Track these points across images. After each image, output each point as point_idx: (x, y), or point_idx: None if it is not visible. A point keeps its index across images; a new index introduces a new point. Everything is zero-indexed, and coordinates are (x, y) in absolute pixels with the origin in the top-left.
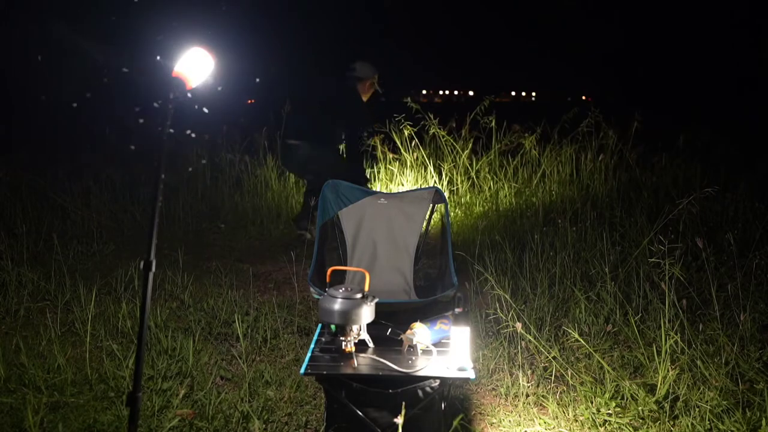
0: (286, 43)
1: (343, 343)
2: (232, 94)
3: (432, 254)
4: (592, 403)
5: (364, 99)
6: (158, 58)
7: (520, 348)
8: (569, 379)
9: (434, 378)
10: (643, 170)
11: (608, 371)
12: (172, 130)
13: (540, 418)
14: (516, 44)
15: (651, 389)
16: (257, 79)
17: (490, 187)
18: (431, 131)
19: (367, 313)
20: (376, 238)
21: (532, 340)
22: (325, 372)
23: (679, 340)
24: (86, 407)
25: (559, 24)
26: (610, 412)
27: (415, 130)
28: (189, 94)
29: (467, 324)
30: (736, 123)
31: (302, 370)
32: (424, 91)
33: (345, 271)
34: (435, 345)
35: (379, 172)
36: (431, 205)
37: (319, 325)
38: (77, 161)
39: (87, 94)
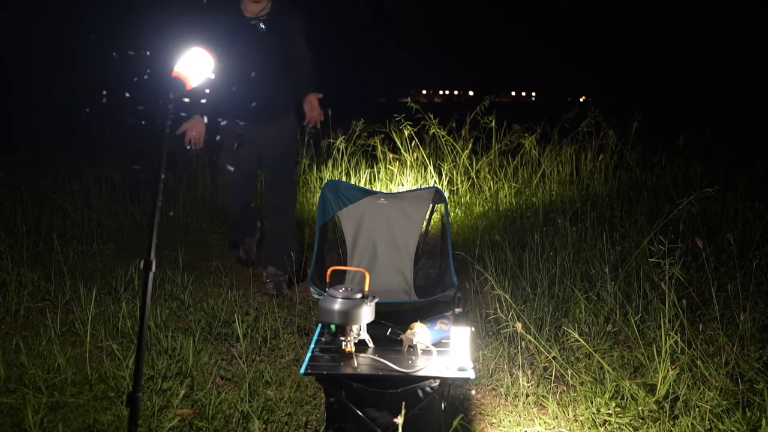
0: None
1: (343, 343)
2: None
3: (432, 254)
4: (592, 403)
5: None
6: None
7: (520, 348)
8: (569, 379)
9: (434, 378)
10: (643, 170)
11: (608, 371)
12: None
13: (540, 418)
14: (516, 44)
15: (651, 389)
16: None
17: (490, 187)
18: (431, 131)
19: (367, 313)
20: (376, 238)
21: (532, 340)
22: (325, 372)
23: (679, 340)
24: (86, 407)
25: (559, 24)
26: (610, 412)
27: (415, 130)
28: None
29: (467, 324)
30: (736, 123)
31: (302, 370)
32: (424, 91)
33: (345, 271)
34: (435, 345)
35: (379, 172)
36: (431, 205)
37: (319, 325)
38: (77, 161)
39: (87, 95)
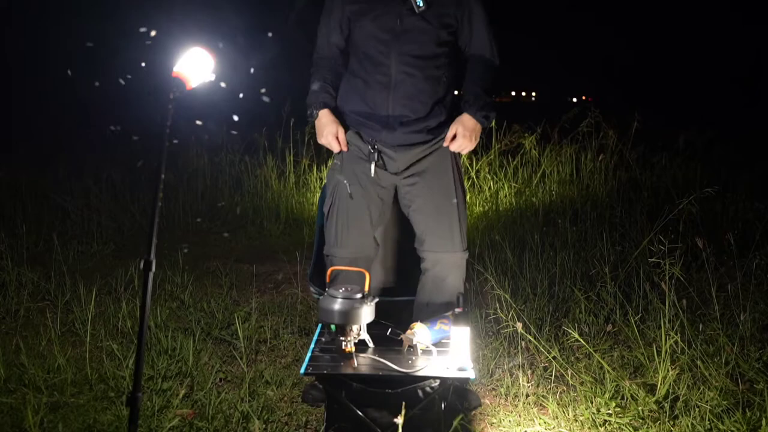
0: (287, 43)
1: (343, 343)
2: (232, 94)
3: None
4: (592, 403)
5: None
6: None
7: (520, 348)
8: (569, 379)
9: (434, 378)
10: (643, 170)
11: (608, 371)
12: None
13: (540, 418)
14: (516, 44)
15: (651, 389)
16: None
17: (490, 187)
18: None
19: (367, 313)
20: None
21: (532, 340)
22: (325, 372)
23: (679, 340)
24: (86, 407)
25: (560, 24)
26: (610, 412)
27: None
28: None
29: (467, 324)
30: (736, 123)
31: (302, 370)
32: None
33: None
34: (435, 345)
35: None
36: None
37: (319, 325)
38: (77, 161)
39: (88, 93)
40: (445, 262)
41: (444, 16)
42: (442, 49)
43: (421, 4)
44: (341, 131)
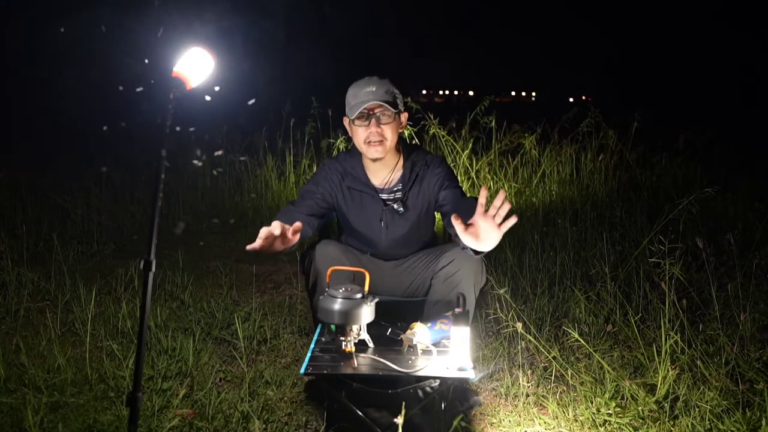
0: (286, 44)
1: (343, 343)
2: (232, 94)
3: None
4: (592, 403)
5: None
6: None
7: (520, 348)
8: (569, 379)
9: (434, 378)
10: (643, 170)
11: (608, 371)
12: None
13: (540, 418)
14: (517, 45)
15: (651, 389)
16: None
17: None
18: (431, 131)
19: (367, 313)
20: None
21: (532, 340)
22: (325, 372)
23: (679, 340)
24: (86, 407)
25: (560, 24)
26: (610, 412)
27: (415, 130)
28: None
29: (467, 324)
30: (736, 123)
31: (302, 370)
32: (424, 91)
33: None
34: (435, 345)
35: None
36: None
37: (319, 325)
38: (77, 161)
39: (90, 94)
40: (458, 261)
41: (422, 209)
42: (425, 225)
43: (401, 210)
44: (279, 229)
